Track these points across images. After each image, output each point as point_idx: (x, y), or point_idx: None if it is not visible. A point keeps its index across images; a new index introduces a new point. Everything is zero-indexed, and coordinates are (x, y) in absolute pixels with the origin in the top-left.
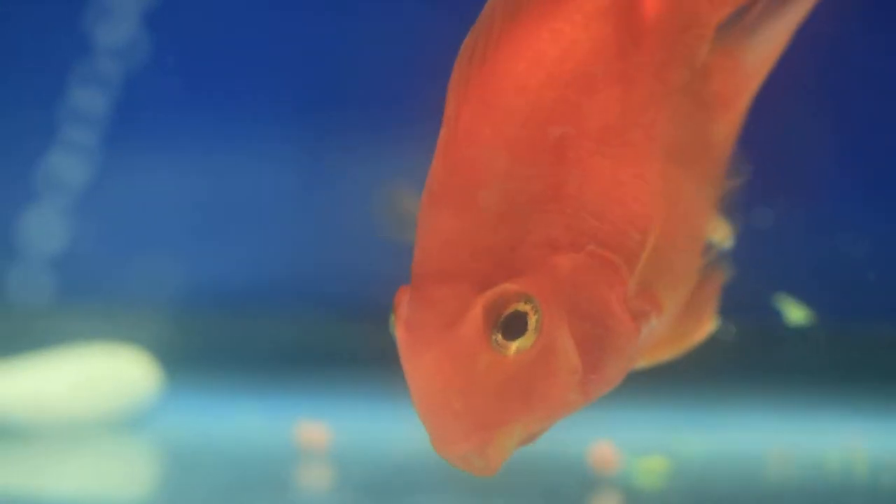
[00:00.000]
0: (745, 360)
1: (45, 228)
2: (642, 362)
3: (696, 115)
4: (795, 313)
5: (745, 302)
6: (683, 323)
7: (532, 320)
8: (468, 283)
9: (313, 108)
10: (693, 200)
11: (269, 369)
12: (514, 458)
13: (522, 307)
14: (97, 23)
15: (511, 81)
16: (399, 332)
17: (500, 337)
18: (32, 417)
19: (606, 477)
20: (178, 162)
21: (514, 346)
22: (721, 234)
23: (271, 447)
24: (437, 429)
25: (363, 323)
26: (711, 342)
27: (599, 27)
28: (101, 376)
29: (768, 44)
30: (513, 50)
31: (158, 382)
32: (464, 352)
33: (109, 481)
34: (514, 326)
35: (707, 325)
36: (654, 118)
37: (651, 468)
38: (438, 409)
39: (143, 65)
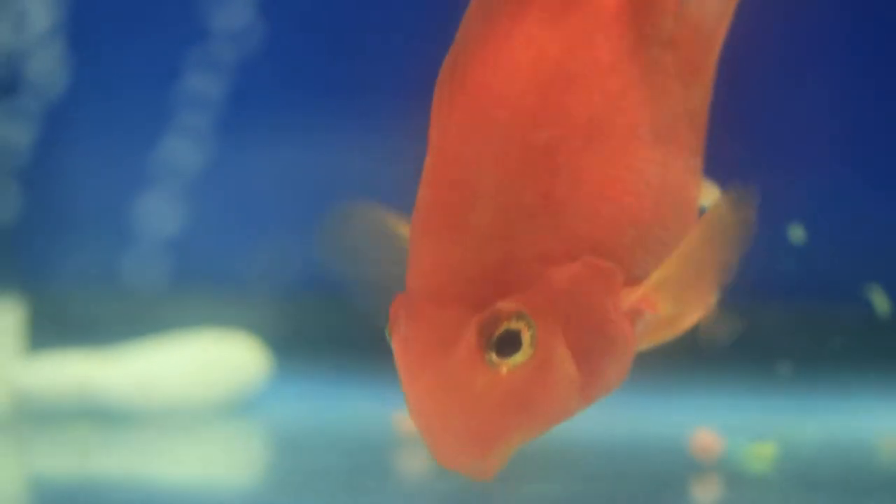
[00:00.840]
0: (859, 346)
1: (160, 214)
2: (641, 346)
3: (672, 89)
4: (881, 304)
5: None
6: (680, 303)
7: (526, 336)
8: (463, 304)
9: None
10: (682, 176)
11: (380, 355)
12: (617, 443)
13: (515, 325)
14: (212, 8)
15: (491, 94)
16: (396, 350)
17: (493, 356)
18: (144, 402)
19: (708, 464)
20: (293, 147)
21: (508, 363)
22: (710, 197)
23: (377, 433)
24: (437, 447)
25: None
26: (829, 329)
27: (568, 23)
28: (212, 361)
29: (721, 2)
30: (489, 62)
31: (269, 368)
32: (460, 373)
33: (219, 466)
34: (508, 344)
35: (702, 307)
36: (634, 102)
37: (760, 454)
38: (437, 429)
39: (259, 49)
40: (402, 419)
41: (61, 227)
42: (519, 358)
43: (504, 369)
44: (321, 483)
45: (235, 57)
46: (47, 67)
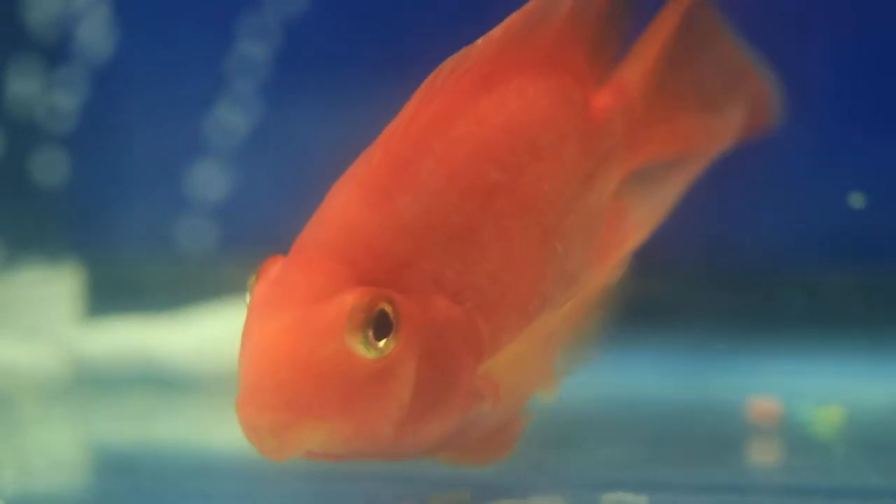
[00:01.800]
0: None
1: (213, 178)
2: (443, 456)
3: (588, 236)
4: None
5: None
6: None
7: (391, 334)
8: (351, 269)
9: None
10: (569, 268)
11: None
12: (681, 407)
13: (389, 316)
14: None
15: (469, 118)
16: (258, 287)
17: (370, 333)
18: (198, 367)
19: (769, 428)
20: (344, 112)
21: (378, 346)
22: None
23: None
24: (252, 390)
25: None
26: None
27: (543, 109)
28: None
29: (653, 207)
30: (477, 96)
31: None
32: (317, 330)
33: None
34: (376, 329)
35: (540, 383)
36: (564, 208)
37: (827, 418)
38: (264, 370)
39: (306, 14)
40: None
41: (117, 194)
42: (374, 352)
43: (367, 351)
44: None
45: (284, 21)
46: (97, 33)
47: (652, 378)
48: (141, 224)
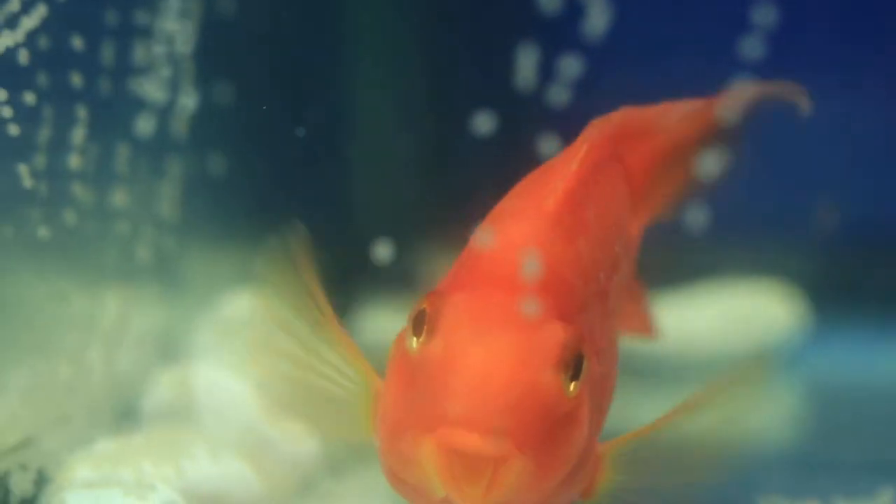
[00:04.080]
0: None
1: None
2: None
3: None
4: None
5: None
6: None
7: (580, 378)
8: (553, 300)
9: None
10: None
11: None
12: None
13: (581, 354)
14: None
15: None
16: (453, 308)
17: (571, 371)
18: (680, 352)
19: None
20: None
21: (572, 385)
22: None
23: None
24: (468, 404)
25: None
26: None
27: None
28: (746, 311)
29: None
30: (605, 168)
31: (805, 319)
32: (536, 357)
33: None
34: (575, 369)
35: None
36: (618, 288)
37: None
38: (486, 390)
39: None
40: None
41: None
42: (571, 391)
43: (565, 387)
44: (862, 442)
45: None
46: None
47: None
48: None
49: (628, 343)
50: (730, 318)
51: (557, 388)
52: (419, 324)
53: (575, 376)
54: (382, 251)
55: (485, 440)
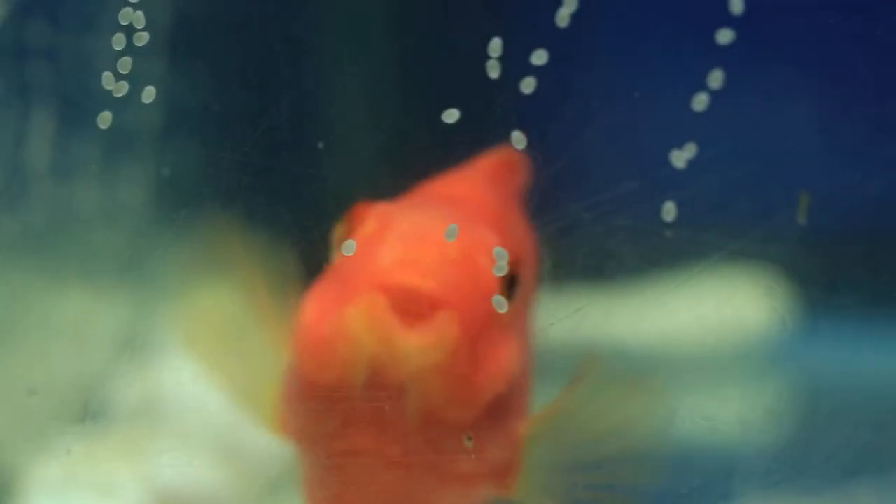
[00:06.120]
0: None
1: None
2: None
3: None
4: None
5: None
6: None
7: (517, 293)
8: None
9: None
10: None
11: None
12: None
13: (517, 277)
14: None
15: None
16: (380, 213)
17: (506, 286)
18: (660, 350)
19: None
20: None
21: (507, 302)
22: None
23: None
24: (405, 256)
25: None
26: None
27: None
28: (727, 306)
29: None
30: None
31: (789, 313)
32: (470, 244)
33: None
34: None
35: None
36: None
37: None
38: (421, 249)
39: None
40: None
41: None
42: (509, 305)
43: (504, 302)
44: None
45: None
46: None
47: None
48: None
49: (607, 342)
50: (709, 313)
51: (491, 280)
52: (346, 231)
53: (509, 293)
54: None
55: (423, 278)
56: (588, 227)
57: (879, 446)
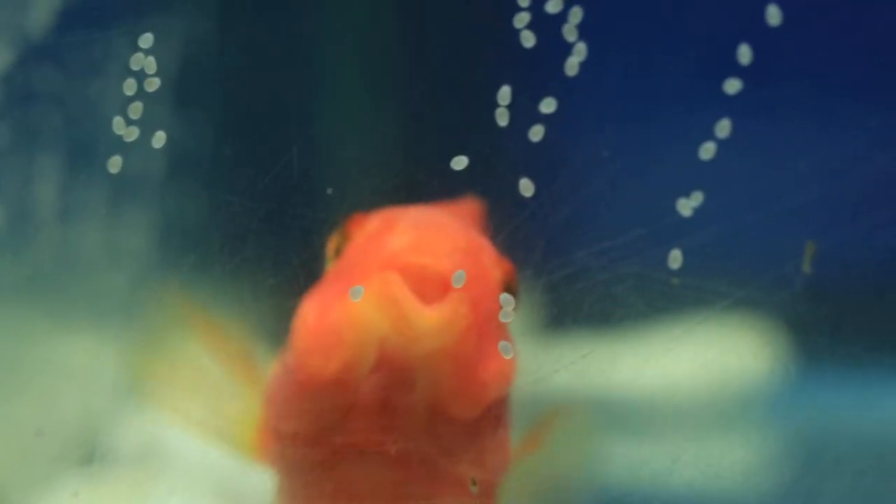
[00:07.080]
0: None
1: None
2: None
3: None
4: None
5: None
6: None
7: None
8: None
9: None
10: None
11: None
12: None
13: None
14: None
15: None
16: (385, 214)
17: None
18: (659, 399)
19: None
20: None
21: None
22: None
23: None
24: (416, 242)
25: None
26: None
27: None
28: (727, 356)
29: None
30: None
31: (788, 363)
32: (474, 245)
33: (732, 466)
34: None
35: None
36: None
37: None
38: (430, 240)
39: None
40: None
41: None
42: (508, 316)
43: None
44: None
45: None
46: None
47: None
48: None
49: (612, 387)
50: (714, 360)
51: (495, 280)
52: (342, 240)
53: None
54: None
55: (437, 259)
56: (595, 274)
57: (882, 494)
